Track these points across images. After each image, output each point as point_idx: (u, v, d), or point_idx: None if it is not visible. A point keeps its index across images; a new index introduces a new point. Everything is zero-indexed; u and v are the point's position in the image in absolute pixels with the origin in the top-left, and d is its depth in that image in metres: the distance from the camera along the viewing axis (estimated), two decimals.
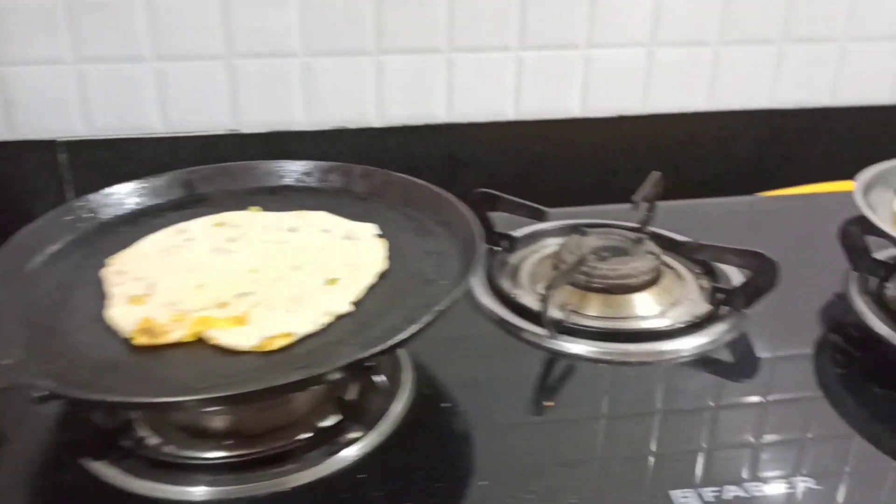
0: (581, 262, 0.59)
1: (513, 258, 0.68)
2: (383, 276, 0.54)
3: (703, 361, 0.58)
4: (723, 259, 0.61)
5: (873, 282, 0.62)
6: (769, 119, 0.90)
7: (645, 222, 0.68)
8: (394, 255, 0.56)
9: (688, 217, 0.78)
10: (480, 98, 0.85)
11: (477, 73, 0.84)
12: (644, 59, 0.86)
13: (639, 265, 0.61)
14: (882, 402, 0.55)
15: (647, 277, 0.61)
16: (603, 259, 0.62)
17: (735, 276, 0.64)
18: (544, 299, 0.57)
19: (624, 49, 0.85)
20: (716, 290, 0.61)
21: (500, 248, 0.68)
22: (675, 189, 0.81)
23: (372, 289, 0.52)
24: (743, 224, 0.81)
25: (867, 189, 0.62)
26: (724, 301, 0.60)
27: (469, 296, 0.63)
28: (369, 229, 0.58)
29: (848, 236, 0.61)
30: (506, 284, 0.64)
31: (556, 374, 0.57)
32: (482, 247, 0.52)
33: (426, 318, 0.46)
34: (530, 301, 0.61)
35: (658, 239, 0.67)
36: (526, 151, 0.88)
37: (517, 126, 0.87)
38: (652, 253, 0.62)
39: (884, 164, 0.64)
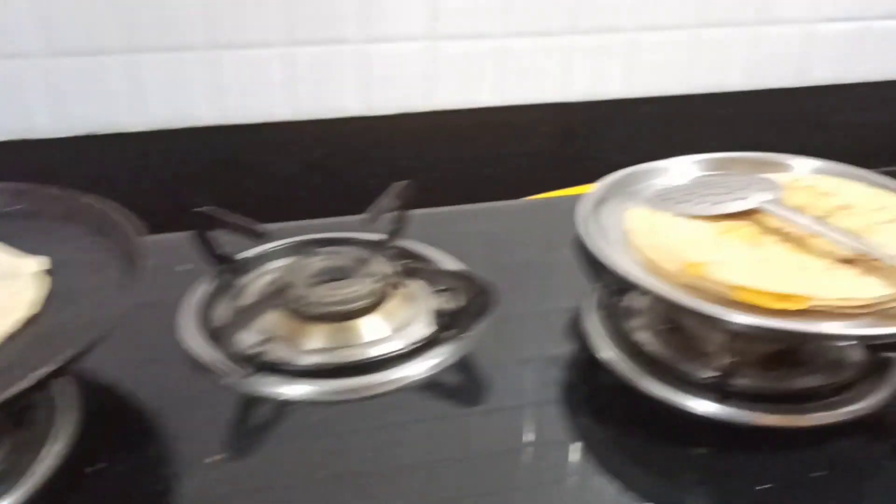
0: (282, 290, 0.54)
1: (237, 284, 0.62)
2: (33, 320, 0.48)
3: (425, 388, 0.54)
4: (438, 282, 0.57)
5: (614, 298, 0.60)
6: (561, 112, 0.87)
7: (392, 235, 0.64)
8: (60, 293, 0.50)
9: (447, 225, 0.74)
10: (251, 97, 0.80)
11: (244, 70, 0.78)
12: (425, 54, 0.82)
13: (358, 288, 0.57)
14: (602, 421, 0.53)
15: (367, 302, 0.57)
16: (320, 283, 0.58)
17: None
18: (227, 334, 0.52)
19: (402, 43, 0.81)
20: (439, 312, 0.57)
21: (224, 273, 0.62)
22: (462, 190, 0.78)
23: (12, 338, 0.46)
24: (503, 230, 0.76)
25: (602, 201, 0.59)
26: (449, 324, 0.57)
27: (173, 330, 0.57)
28: (33, 265, 0.52)
29: (580, 247, 0.58)
30: (217, 315, 0.58)
31: (254, 422, 0.52)
32: (142, 275, 0.47)
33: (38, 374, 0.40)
34: (242, 337, 0.54)
35: (401, 255, 0.63)
36: (304, 153, 0.84)
37: (294, 126, 0.82)
38: (375, 274, 0.58)
39: (623, 172, 0.61)
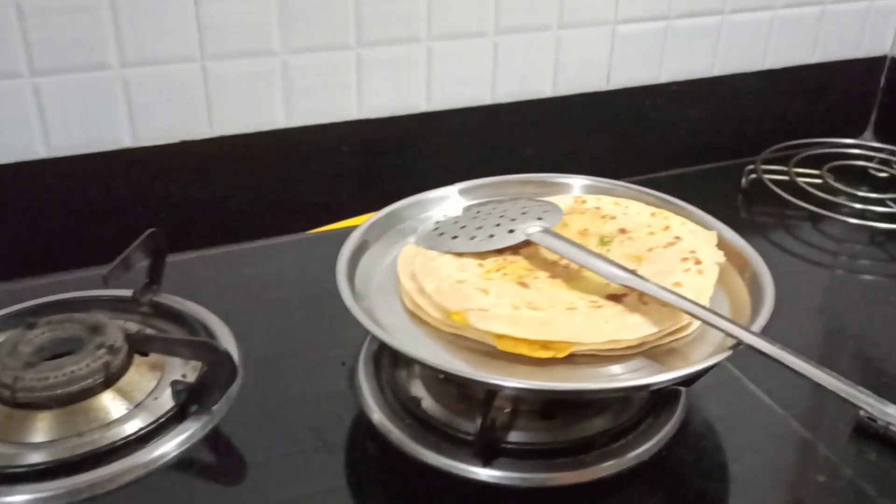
0: None
1: None
2: None
3: (174, 470, 0.46)
4: (174, 352, 0.50)
5: None
6: (362, 129, 0.81)
7: (143, 290, 0.56)
8: None
9: (218, 270, 0.66)
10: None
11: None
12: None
13: (86, 364, 0.48)
14: (378, 494, 0.47)
15: (97, 379, 0.48)
16: (40, 362, 0.49)
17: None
18: None
19: (172, 66, 0.72)
20: (175, 384, 0.49)
21: None
22: (245, 225, 0.71)
23: None
24: (281, 270, 0.68)
25: (370, 240, 0.53)
26: (190, 397, 0.49)
27: None
28: None
29: None
30: None
31: None
32: None
33: None
34: None
35: (153, 314, 0.55)
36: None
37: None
38: (109, 344, 0.50)
39: (394, 206, 0.55)
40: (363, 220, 0.54)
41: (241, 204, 0.75)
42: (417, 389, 0.50)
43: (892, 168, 0.85)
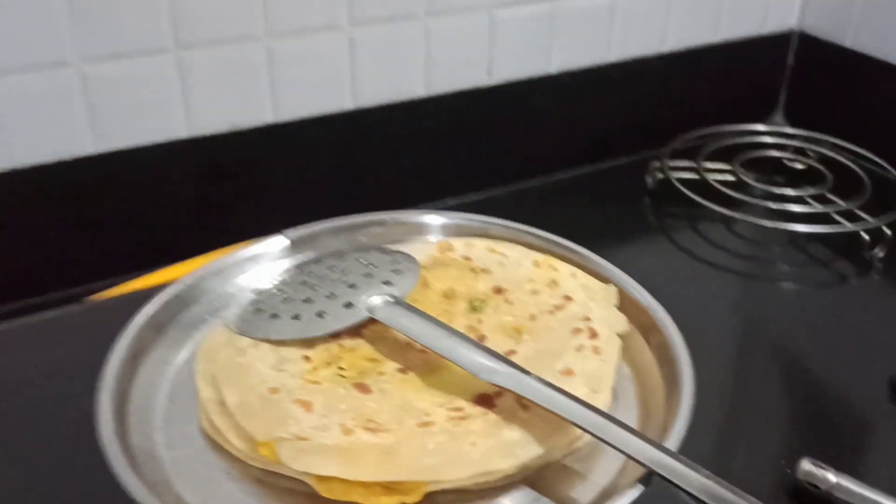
0: None
1: None
2: None
3: None
4: None
5: None
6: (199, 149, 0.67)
7: None
8: None
9: None
10: None
11: None
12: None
13: None
14: None
15: None
16: None
17: None
18: None
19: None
20: None
21: None
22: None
23: None
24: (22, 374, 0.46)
25: (162, 323, 0.39)
26: None
27: None
28: None
29: None
30: None
31: None
32: None
33: None
34: None
35: None
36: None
37: None
38: None
39: (196, 274, 0.41)
40: (167, 278, 0.40)
41: None
42: None
43: (808, 157, 0.77)
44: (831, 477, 0.38)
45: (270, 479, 0.33)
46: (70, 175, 0.59)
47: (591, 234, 0.67)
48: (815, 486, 0.39)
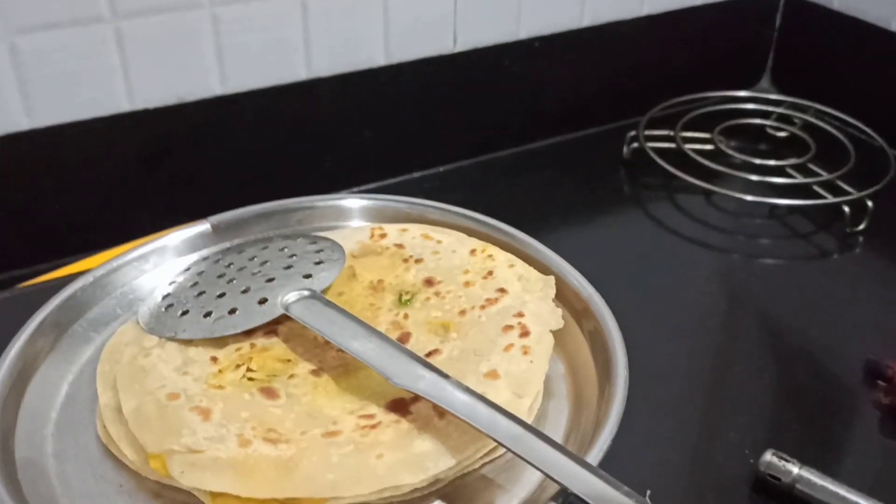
0: None
1: None
2: None
3: None
4: None
5: None
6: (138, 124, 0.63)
7: None
8: None
9: None
10: None
11: None
12: None
13: None
14: None
15: None
16: None
17: None
18: None
19: None
20: None
21: None
22: None
23: None
24: None
25: (65, 321, 0.36)
26: None
27: None
28: None
29: None
30: None
31: None
32: None
33: None
34: None
35: None
36: None
37: None
38: None
39: (102, 268, 0.38)
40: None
41: None
42: None
43: (792, 125, 0.73)
44: (794, 469, 0.36)
45: (167, 493, 0.30)
46: (2, 153, 0.56)
47: (562, 208, 0.64)
48: (778, 479, 0.37)
